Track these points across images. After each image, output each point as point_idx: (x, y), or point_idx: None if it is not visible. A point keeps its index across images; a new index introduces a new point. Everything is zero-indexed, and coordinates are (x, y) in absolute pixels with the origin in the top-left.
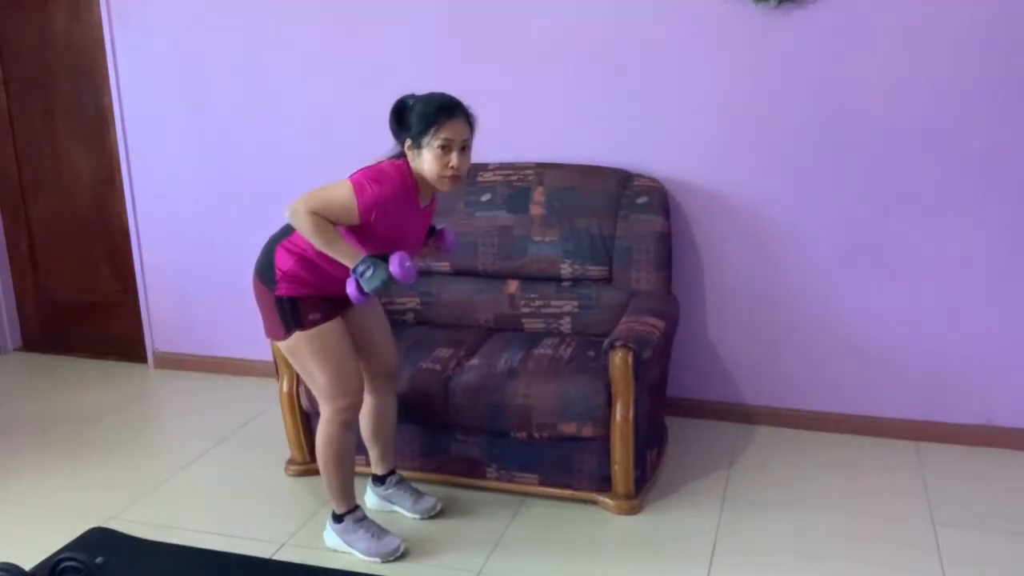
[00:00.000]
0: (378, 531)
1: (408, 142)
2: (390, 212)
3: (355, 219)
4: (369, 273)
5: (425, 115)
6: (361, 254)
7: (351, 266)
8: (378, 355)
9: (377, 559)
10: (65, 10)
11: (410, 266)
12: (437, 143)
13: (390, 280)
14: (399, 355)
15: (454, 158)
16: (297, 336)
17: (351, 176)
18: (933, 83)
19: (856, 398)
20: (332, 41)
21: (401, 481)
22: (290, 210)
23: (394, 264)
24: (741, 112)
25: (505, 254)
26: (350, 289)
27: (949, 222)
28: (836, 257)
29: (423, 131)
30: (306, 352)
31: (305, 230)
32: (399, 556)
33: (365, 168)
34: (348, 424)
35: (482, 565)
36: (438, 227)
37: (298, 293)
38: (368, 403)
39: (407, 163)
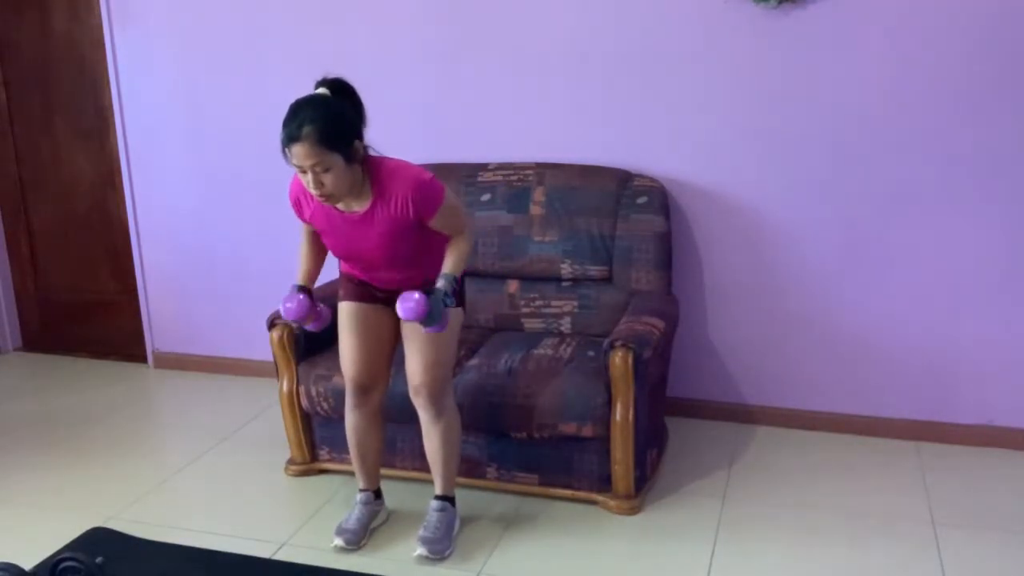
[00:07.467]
0: (354, 520)
1: None
2: (312, 210)
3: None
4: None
5: (282, 133)
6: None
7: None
8: (408, 364)
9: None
10: (65, 10)
11: (291, 307)
12: (295, 162)
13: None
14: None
15: (310, 181)
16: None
17: None
18: (932, 82)
19: (856, 398)
20: (332, 41)
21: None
22: None
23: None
24: (741, 112)
25: (505, 254)
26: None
27: (949, 222)
28: (836, 257)
29: (282, 150)
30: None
31: None
32: (336, 546)
33: None
34: (353, 404)
35: (482, 565)
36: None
37: (341, 270)
38: None
39: None
